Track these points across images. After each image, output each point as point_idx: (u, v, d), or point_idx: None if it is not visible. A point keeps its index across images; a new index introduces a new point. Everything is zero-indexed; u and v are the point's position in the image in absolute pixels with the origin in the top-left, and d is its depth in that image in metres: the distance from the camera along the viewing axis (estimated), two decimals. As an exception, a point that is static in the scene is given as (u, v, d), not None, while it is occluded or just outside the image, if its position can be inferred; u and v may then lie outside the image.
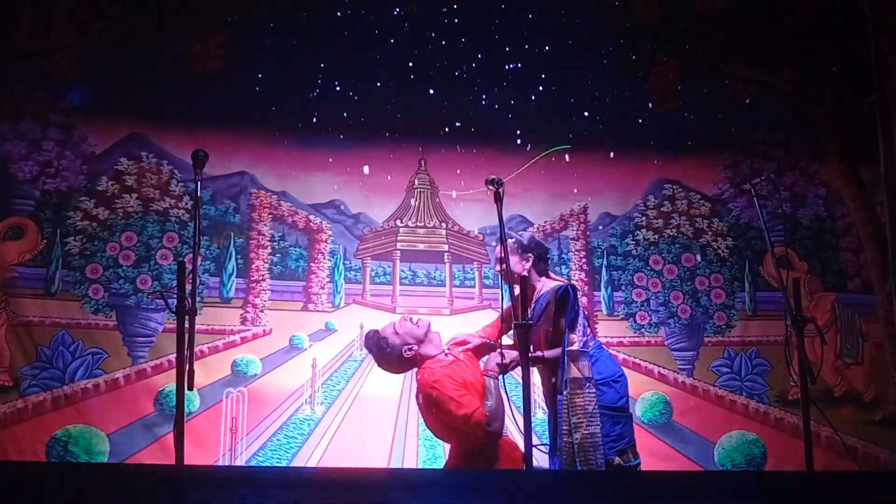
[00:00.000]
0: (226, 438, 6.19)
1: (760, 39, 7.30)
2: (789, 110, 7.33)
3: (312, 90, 6.79)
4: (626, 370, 4.70)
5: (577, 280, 6.92)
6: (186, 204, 6.53)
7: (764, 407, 6.79)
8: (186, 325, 3.51)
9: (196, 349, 4.38)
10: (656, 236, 7.04)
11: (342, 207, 6.81)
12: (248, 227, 6.64)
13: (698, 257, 7.02)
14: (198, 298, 4.52)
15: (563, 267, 6.95)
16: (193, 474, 3.35)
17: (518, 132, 6.98)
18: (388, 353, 4.22)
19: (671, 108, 7.22)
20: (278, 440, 6.26)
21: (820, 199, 7.26)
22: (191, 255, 4.57)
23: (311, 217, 6.74)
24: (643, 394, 6.66)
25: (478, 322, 6.59)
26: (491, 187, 4.10)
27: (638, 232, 7.05)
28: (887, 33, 6.76)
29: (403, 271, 6.79)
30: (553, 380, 4.43)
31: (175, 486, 2.91)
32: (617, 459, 4.27)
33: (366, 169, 6.84)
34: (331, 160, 6.81)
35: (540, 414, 6.38)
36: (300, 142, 6.79)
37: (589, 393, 4.23)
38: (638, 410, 6.52)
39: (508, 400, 4.06)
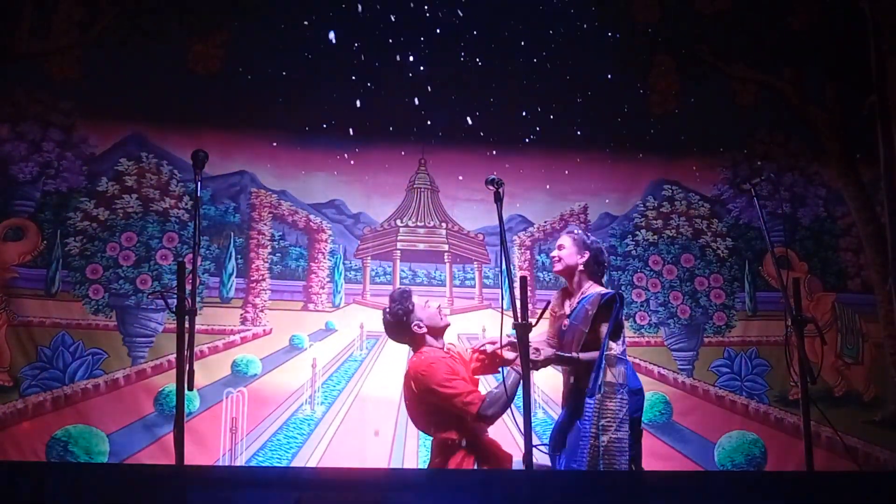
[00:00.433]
0: (226, 438, 6.19)
1: (760, 39, 7.30)
2: (789, 110, 7.32)
3: (312, 90, 6.79)
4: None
5: (577, 280, 6.92)
6: (186, 204, 6.53)
7: (764, 407, 6.79)
8: (186, 326, 3.51)
9: (196, 349, 4.38)
10: (656, 237, 7.04)
11: (342, 207, 6.81)
12: (248, 227, 6.64)
13: (696, 258, 7.02)
14: (198, 298, 4.52)
15: (563, 267, 6.95)
16: (193, 474, 3.35)
17: (518, 132, 6.98)
18: (402, 316, 4.28)
19: (671, 109, 7.22)
20: (278, 440, 6.27)
21: (820, 200, 7.26)
22: (191, 256, 4.57)
23: (311, 217, 6.74)
24: (643, 394, 6.66)
25: (478, 322, 6.64)
26: (491, 187, 4.10)
27: (637, 232, 7.05)
28: (887, 33, 6.76)
29: (403, 271, 6.79)
30: (572, 380, 4.45)
31: (175, 486, 2.91)
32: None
33: (366, 168, 6.84)
34: (331, 160, 6.81)
35: (540, 414, 6.40)
36: (300, 142, 6.80)
37: (621, 399, 4.26)
38: (638, 410, 6.52)
39: (510, 400, 4.05)
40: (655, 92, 7.23)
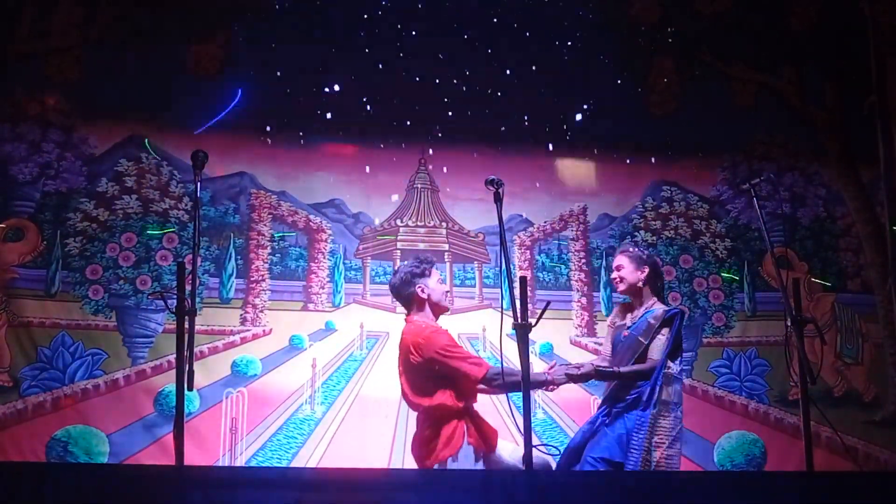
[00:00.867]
0: (226, 439, 6.19)
1: (760, 40, 7.30)
2: (789, 111, 7.32)
3: (312, 90, 6.79)
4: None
5: (576, 280, 6.92)
6: (186, 205, 6.52)
7: (764, 407, 6.79)
8: (186, 326, 3.51)
9: (196, 349, 4.39)
10: (655, 238, 7.04)
11: (342, 207, 6.81)
12: (247, 228, 6.64)
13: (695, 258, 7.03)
14: (197, 299, 4.52)
15: (563, 267, 6.96)
16: (193, 475, 3.35)
17: (518, 132, 6.98)
18: (418, 273, 4.39)
19: (670, 109, 7.22)
20: (278, 440, 6.26)
21: (820, 200, 7.25)
22: (190, 256, 4.57)
23: (311, 217, 6.74)
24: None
25: (478, 322, 6.64)
26: (491, 187, 4.11)
27: (636, 233, 7.05)
28: (887, 33, 6.78)
29: (403, 271, 6.77)
30: (613, 386, 4.54)
31: (175, 487, 2.91)
32: None
33: (366, 168, 6.84)
34: (331, 160, 6.81)
35: (540, 414, 6.41)
36: (300, 142, 6.80)
37: (675, 417, 4.38)
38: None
39: (518, 389, 4.06)
40: (655, 92, 7.23)
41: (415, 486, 3.11)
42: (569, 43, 7.13)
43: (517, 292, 3.88)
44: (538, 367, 6.42)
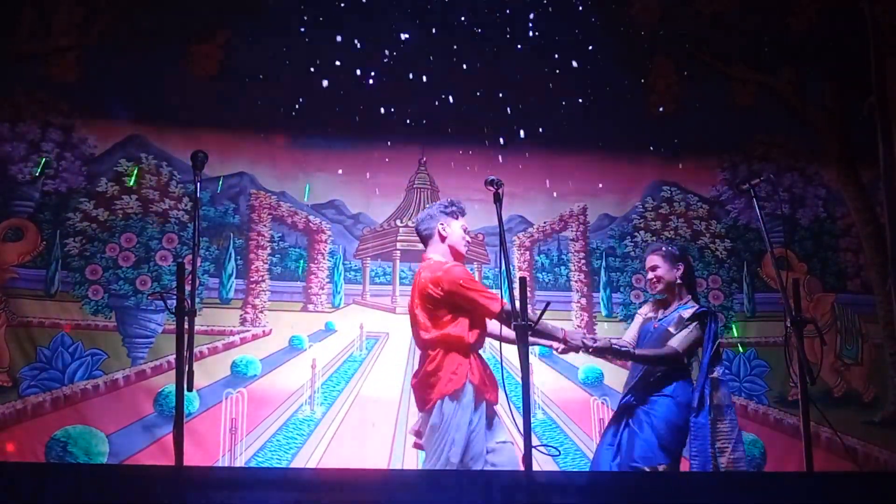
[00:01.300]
0: (225, 439, 6.19)
1: (760, 40, 7.30)
2: (789, 111, 7.33)
3: (312, 90, 6.79)
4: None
5: (575, 281, 6.92)
6: (186, 205, 6.52)
7: (763, 408, 6.79)
8: (186, 326, 3.51)
9: (195, 350, 4.39)
10: (654, 238, 7.03)
11: (342, 208, 6.80)
12: (247, 228, 6.64)
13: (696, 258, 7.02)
14: (197, 299, 4.51)
15: (563, 268, 6.95)
16: (193, 475, 3.35)
17: (518, 132, 6.98)
18: (442, 211, 4.54)
19: (670, 109, 7.22)
20: (278, 440, 6.26)
21: (819, 200, 7.25)
22: (190, 256, 4.56)
23: (311, 217, 6.73)
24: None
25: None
26: (490, 188, 4.11)
27: (636, 234, 7.05)
28: (887, 33, 6.78)
29: (403, 271, 6.78)
30: (639, 372, 4.58)
31: (175, 487, 2.91)
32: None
33: (366, 169, 6.84)
34: (331, 160, 6.81)
35: (539, 414, 6.40)
36: (300, 142, 6.80)
37: (731, 419, 4.42)
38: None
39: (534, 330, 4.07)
40: (655, 92, 7.23)
41: (415, 486, 3.11)
42: (568, 43, 7.12)
43: (517, 293, 3.88)
44: (538, 367, 6.48)
